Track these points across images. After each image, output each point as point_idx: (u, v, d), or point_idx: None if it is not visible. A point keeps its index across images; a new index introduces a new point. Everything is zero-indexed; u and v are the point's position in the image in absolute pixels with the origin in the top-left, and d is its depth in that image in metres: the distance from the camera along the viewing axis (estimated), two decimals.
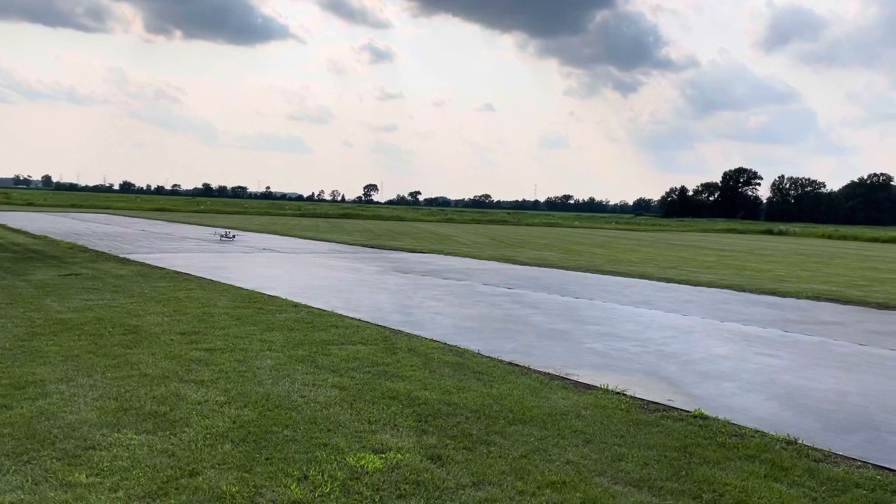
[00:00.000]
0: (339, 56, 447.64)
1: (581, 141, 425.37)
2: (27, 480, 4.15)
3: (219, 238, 26.58)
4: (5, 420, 5.14)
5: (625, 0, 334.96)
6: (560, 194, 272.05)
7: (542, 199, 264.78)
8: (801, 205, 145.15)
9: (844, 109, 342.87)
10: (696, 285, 16.82)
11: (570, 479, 4.54)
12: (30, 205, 64.18)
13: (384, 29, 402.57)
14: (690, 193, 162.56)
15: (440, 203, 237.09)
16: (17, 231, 26.56)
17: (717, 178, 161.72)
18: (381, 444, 4.97)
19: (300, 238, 30.27)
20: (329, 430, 5.21)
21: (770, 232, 67.99)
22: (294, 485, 4.25)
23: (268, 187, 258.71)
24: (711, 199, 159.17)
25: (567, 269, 20.00)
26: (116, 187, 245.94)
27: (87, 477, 4.23)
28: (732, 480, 4.67)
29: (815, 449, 5.37)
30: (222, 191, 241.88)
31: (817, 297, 15.17)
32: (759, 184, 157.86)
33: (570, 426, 5.60)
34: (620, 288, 15.72)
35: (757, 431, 5.74)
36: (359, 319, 9.99)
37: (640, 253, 29.09)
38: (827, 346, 9.74)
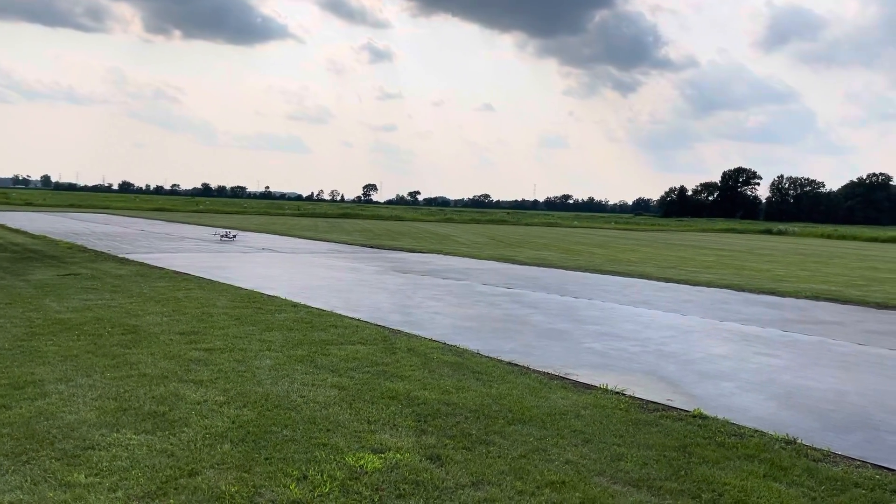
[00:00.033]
0: (338, 56, 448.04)
1: (580, 141, 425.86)
2: (26, 480, 4.15)
3: (219, 238, 26.56)
4: (4, 420, 5.14)
5: (624, 0, 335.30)
6: (559, 194, 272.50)
7: (541, 198, 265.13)
8: (800, 204, 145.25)
9: (843, 109, 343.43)
10: (695, 285, 16.82)
11: (569, 479, 4.54)
12: (29, 205, 64.15)
13: (383, 29, 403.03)
14: (690, 193, 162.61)
15: (439, 203, 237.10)
16: (16, 231, 26.54)
17: (717, 178, 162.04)
18: (381, 444, 4.97)
19: (299, 238, 30.27)
20: (328, 430, 5.21)
21: (769, 232, 68.02)
22: (293, 485, 4.25)
23: (267, 187, 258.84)
24: (711, 198, 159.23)
25: (566, 268, 20.00)
26: (115, 187, 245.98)
27: (86, 477, 4.22)
28: (731, 480, 4.67)
29: (814, 448, 5.37)
30: (221, 191, 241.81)
31: (816, 297, 15.18)
32: (758, 183, 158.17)
33: (569, 426, 5.61)
34: (620, 288, 15.72)
35: (756, 431, 5.74)
36: (358, 319, 9.99)
37: (640, 253, 29.10)
38: (826, 346, 9.75)
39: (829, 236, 62.43)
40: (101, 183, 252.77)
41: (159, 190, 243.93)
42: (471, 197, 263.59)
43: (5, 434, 4.86)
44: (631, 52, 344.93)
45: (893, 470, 5.03)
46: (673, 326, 10.83)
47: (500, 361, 7.76)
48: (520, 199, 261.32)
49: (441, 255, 23.24)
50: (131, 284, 12.57)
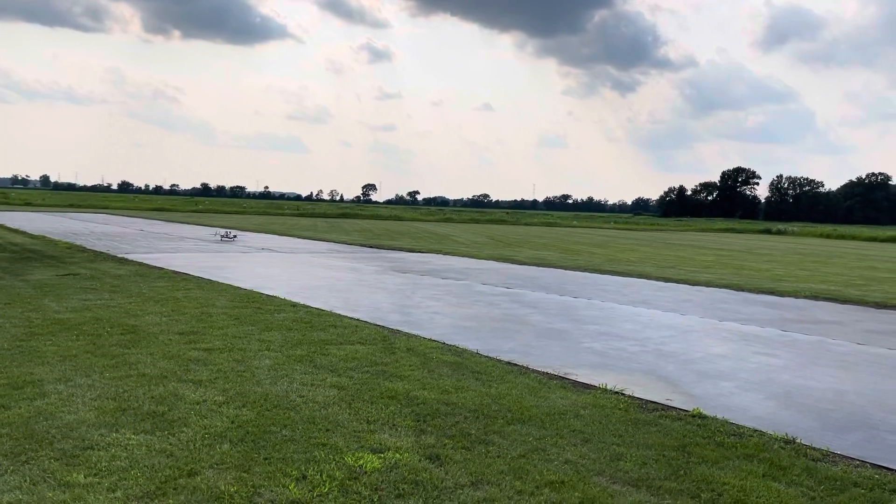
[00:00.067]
0: (337, 56, 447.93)
1: (579, 140, 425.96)
2: (25, 480, 4.15)
3: (219, 238, 26.54)
4: (3, 420, 5.14)
5: (623, 0, 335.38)
6: (558, 194, 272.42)
7: (540, 198, 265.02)
8: (799, 204, 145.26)
9: (843, 109, 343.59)
10: (694, 285, 16.83)
11: (568, 479, 4.54)
12: (28, 205, 64.11)
13: (382, 28, 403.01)
14: (689, 193, 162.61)
15: (439, 203, 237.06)
16: (16, 231, 26.53)
17: (716, 178, 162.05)
18: (380, 444, 4.97)
19: (299, 238, 30.26)
20: (327, 430, 5.20)
21: (768, 231, 68.05)
22: (292, 485, 4.25)
23: (266, 187, 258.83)
24: (710, 198, 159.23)
25: (565, 268, 20.00)
26: (115, 187, 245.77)
27: (85, 477, 4.22)
28: (731, 479, 4.67)
29: (814, 448, 5.38)
30: (221, 190, 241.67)
31: (815, 297, 15.19)
32: (757, 183, 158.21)
33: (568, 426, 5.61)
34: (619, 287, 15.73)
35: (755, 431, 5.74)
36: (357, 319, 9.99)
37: (639, 252, 29.11)
38: (825, 346, 9.75)
39: (828, 236, 62.46)
40: (101, 183, 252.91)
41: (158, 190, 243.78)
42: (470, 197, 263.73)
43: (4, 434, 4.86)
44: (630, 51, 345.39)
45: (892, 469, 5.03)
46: (672, 326, 10.83)
47: (500, 361, 7.76)
48: (519, 198, 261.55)
49: (440, 255, 23.23)
50: (130, 284, 12.57)
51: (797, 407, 6.61)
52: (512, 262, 21.42)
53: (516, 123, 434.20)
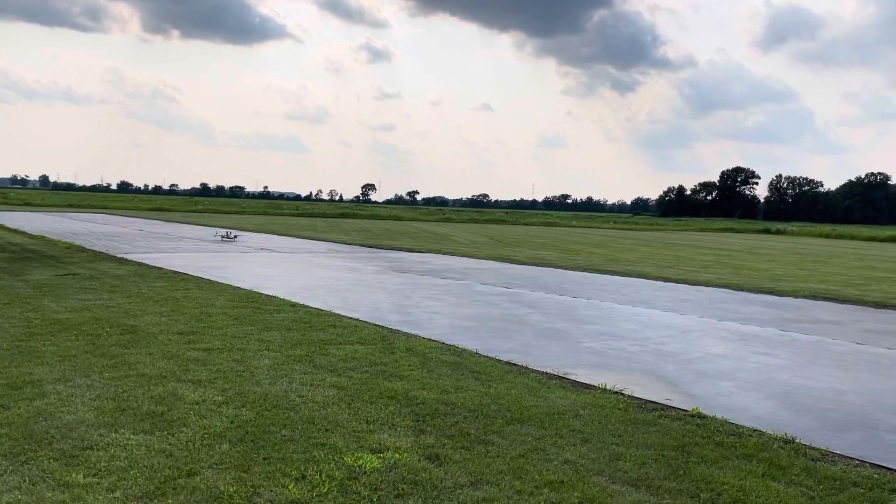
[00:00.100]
0: (336, 55, 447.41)
1: (579, 140, 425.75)
2: (24, 481, 4.15)
3: (220, 238, 26.52)
4: (2, 420, 5.14)
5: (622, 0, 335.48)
6: (558, 194, 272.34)
7: (539, 198, 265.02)
8: (798, 204, 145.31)
9: (842, 109, 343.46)
10: (693, 284, 16.84)
11: (568, 479, 4.54)
12: (27, 204, 64.08)
13: (382, 28, 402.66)
14: (688, 193, 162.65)
15: (438, 202, 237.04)
16: (15, 231, 26.52)
17: (715, 178, 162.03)
18: (379, 444, 4.97)
19: (298, 238, 30.26)
20: (327, 430, 5.20)
21: (768, 231, 68.08)
22: (292, 485, 4.25)
23: (266, 187, 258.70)
24: (709, 198, 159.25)
25: (565, 268, 20.00)
26: (114, 187, 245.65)
27: (84, 477, 4.22)
28: (730, 479, 4.67)
29: (813, 448, 5.38)
30: (220, 190, 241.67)
31: (815, 296, 15.19)
32: (756, 183, 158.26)
33: (568, 425, 5.61)
34: (618, 287, 15.73)
35: (754, 430, 5.74)
36: (357, 319, 9.99)
37: (638, 252, 29.11)
38: (824, 345, 9.76)
39: (827, 235, 62.49)
40: (100, 183, 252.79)
41: (158, 190, 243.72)
42: (469, 196, 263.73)
43: (3, 434, 4.86)
44: (629, 51, 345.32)
45: (892, 469, 5.04)
46: (671, 326, 10.83)
47: (499, 361, 7.76)
48: (518, 198, 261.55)
49: (440, 255, 23.24)
50: (130, 284, 12.56)
51: (796, 406, 6.62)
52: (511, 262, 21.42)
53: (516, 123, 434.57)
